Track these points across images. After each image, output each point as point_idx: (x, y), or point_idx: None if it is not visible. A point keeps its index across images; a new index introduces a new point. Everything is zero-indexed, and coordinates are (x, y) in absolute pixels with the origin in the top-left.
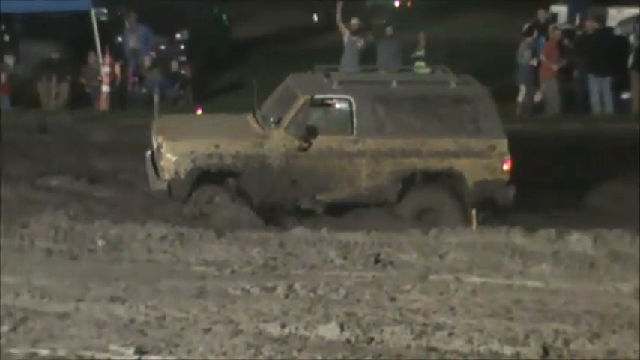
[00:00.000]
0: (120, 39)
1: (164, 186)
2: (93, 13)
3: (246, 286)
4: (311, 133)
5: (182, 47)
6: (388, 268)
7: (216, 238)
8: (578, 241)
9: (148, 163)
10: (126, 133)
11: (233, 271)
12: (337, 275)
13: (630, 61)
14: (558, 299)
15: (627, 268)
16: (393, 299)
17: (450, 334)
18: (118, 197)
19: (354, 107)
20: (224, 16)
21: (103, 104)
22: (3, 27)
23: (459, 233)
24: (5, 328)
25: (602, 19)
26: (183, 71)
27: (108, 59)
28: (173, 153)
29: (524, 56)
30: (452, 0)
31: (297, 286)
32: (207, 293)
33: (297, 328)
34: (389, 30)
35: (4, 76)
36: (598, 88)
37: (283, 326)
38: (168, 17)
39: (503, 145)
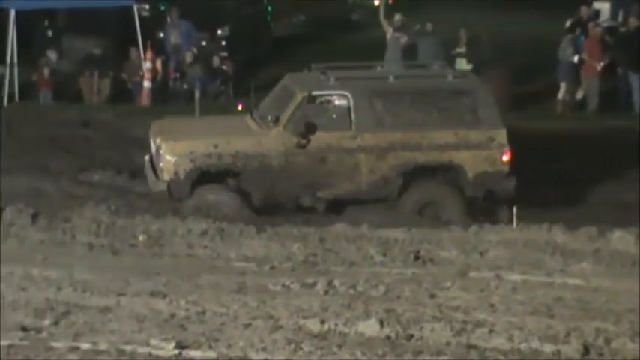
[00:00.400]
0: (162, 35)
1: (164, 187)
2: (135, 8)
3: (286, 281)
4: (309, 129)
5: (223, 43)
6: (428, 264)
7: (257, 234)
8: (620, 239)
9: (147, 165)
10: None
11: (273, 267)
12: (377, 272)
13: None
14: (599, 297)
15: None
16: (432, 296)
17: (490, 331)
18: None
19: (352, 103)
20: (269, 9)
21: (145, 100)
22: (46, 22)
23: (500, 230)
24: (47, 321)
25: None
26: (224, 67)
27: (150, 55)
28: (172, 154)
29: (566, 53)
30: None
31: (336, 282)
32: (247, 289)
33: (336, 325)
34: (429, 26)
35: (46, 71)
36: (639, 85)
37: (323, 322)
38: (210, 13)
39: (502, 136)
